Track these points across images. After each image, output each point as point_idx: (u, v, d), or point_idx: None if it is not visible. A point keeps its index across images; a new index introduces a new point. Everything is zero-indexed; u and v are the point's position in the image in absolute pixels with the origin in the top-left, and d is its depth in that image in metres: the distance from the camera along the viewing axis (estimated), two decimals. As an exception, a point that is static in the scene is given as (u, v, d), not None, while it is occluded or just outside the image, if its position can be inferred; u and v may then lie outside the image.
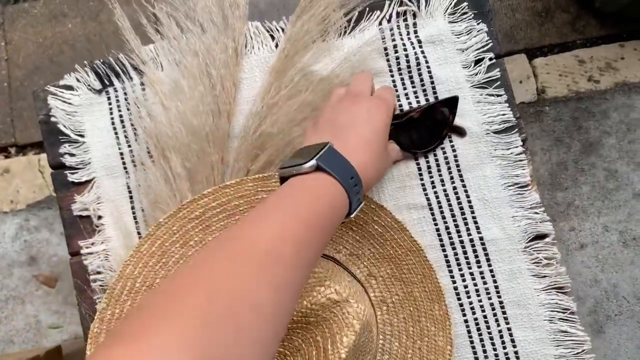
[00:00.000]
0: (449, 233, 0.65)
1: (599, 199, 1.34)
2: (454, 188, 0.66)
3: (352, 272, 0.61)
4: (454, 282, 0.64)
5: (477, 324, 0.64)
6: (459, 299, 0.64)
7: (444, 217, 0.65)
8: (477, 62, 0.67)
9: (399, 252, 0.61)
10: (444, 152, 0.66)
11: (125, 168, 0.67)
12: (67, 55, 1.31)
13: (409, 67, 0.67)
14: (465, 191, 0.66)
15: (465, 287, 0.64)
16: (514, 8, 1.40)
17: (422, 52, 0.67)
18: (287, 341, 0.49)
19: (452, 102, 0.64)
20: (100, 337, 0.57)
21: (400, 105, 0.67)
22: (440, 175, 0.66)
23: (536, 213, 0.65)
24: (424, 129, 0.65)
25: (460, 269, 0.65)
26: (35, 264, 1.30)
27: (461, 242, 0.65)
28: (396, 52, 0.67)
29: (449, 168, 0.66)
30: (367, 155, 0.51)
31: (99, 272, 0.65)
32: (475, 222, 0.65)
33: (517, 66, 1.37)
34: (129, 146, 0.67)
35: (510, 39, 1.38)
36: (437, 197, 0.66)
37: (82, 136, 0.68)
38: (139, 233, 0.66)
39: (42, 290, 1.30)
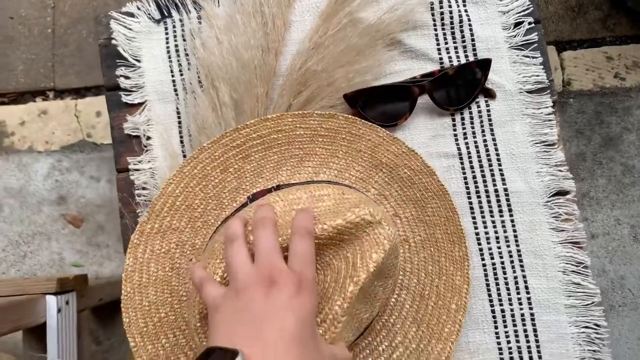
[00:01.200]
0: (475, 182, 0.69)
1: (614, 193, 1.37)
2: (484, 141, 0.69)
3: None
4: (476, 228, 0.68)
5: (494, 269, 0.67)
6: (479, 244, 0.68)
7: (472, 167, 0.69)
8: (517, 24, 0.71)
9: (425, 195, 0.64)
10: (478, 107, 0.70)
11: (176, 94, 0.71)
12: (112, 7, 1.36)
13: (452, 23, 0.71)
14: (495, 145, 0.69)
15: (487, 233, 0.68)
16: (548, 1, 1.44)
17: (466, 10, 0.71)
18: (319, 256, 0.50)
19: (485, 64, 0.68)
20: (139, 248, 0.61)
21: (441, 59, 0.71)
22: (472, 128, 0.69)
23: (560, 170, 0.68)
24: (457, 87, 0.69)
25: (483, 217, 0.68)
26: (64, 204, 1.35)
27: (486, 191, 0.68)
28: (441, 7, 0.70)
29: (481, 122, 0.69)
30: None
31: (144, 188, 0.69)
32: (502, 174, 0.68)
33: (545, 57, 1.41)
34: (181, 74, 0.71)
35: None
36: (467, 147, 0.69)
37: (138, 61, 0.72)
38: (184, 155, 0.70)
39: (68, 229, 1.35)
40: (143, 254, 0.61)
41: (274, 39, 0.69)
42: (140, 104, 0.71)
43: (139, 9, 0.73)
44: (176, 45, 0.72)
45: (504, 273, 0.67)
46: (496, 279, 0.67)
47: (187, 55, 0.71)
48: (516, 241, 0.68)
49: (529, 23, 0.71)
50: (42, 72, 1.43)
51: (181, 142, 0.70)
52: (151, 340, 0.59)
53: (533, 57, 0.70)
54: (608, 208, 1.36)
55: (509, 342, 0.66)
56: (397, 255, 0.55)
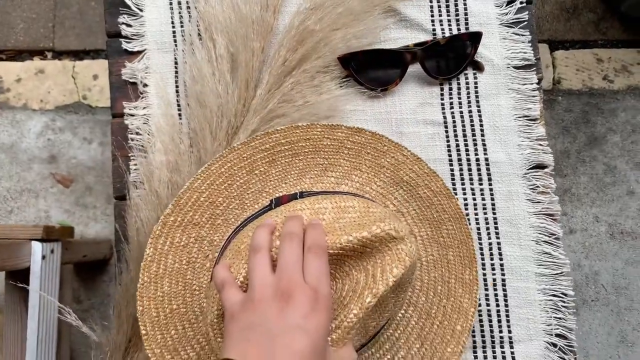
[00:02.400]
0: (458, 150, 0.71)
1: (595, 191, 1.40)
2: (470, 112, 0.72)
3: None
4: (455, 194, 0.70)
5: (470, 234, 0.70)
6: (457, 209, 0.70)
7: (456, 136, 0.71)
8: (509, 2, 0.74)
9: (442, 216, 0.65)
10: (466, 79, 0.72)
11: (175, 45, 0.73)
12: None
13: (447, -4, 0.73)
14: (480, 116, 0.72)
15: (465, 200, 0.70)
16: (544, 0, 1.47)
17: (461, -15, 0.73)
18: (340, 265, 0.51)
19: (476, 37, 0.71)
20: (160, 240, 0.62)
21: (434, 30, 0.73)
22: (459, 99, 0.72)
23: (540, 144, 0.71)
24: (447, 58, 0.71)
25: (463, 184, 0.71)
26: (55, 163, 1.36)
27: (468, 160, 0.71)
28: (438, -20, 0.73)
29: (468, 93, 0.72)
30: None
31: (137, 133, 0.71)
32: (484, 145, 0.71)
33: (538, 55, 1.45)
34: (182, 26, 0.73)
35: (536, 27, 1.45)
36: (453, 117, 0.72)
37: (141, 10, 0.74)
38: (178, 104, 0.72)
39: (56, 188, 1.36)
40: (163, 245, 0.62)
41: None
42: (139, 52, 0.73)
43: (145, -41, 0.74)
44: (179, -2, 0.74)
45: (480, 239, 0.70)
46: (471, 243, 0.69)
47: (188, 7, 0.73)
48: (493, 209, 0.70)
49: (521, 2, 0.74)
50: (42, 32, 1.43)
51: (176, 91, 0.72)
52: (161, 331, 0.61)
53: (522, 35, 0.73)
54: (588, 205, 1.40)
55: (479, 305, 0.68)
56: (414, 271, 0.55)
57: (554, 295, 0.68)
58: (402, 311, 0.64)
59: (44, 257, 0.94)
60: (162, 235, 0.62)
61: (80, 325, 0.68)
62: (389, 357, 0.63)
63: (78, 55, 1.43)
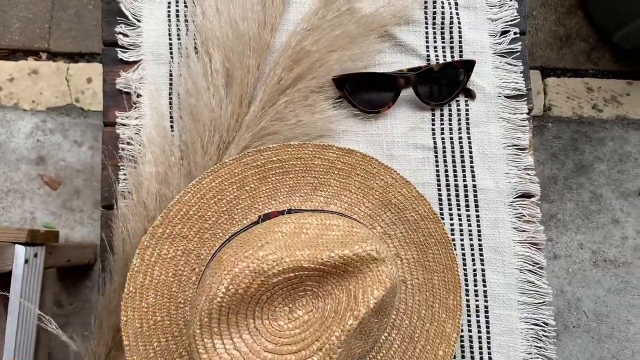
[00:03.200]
0: (447, 176, 0.72)
1: (580, 217, 1.42)
2: (460, 138, 0.73)
3: None
4: (442, 219, 0.71)
5: (455, 259, 0.70)
6: (444, 234, 0.71)
7: (445, 161, 0.72)
8: (503, 33, 0.75)
9: (428, 240, 0.66)
10: (458, 106, 0.73)
11: (171, 57, 0.73)
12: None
13: (442, 24, 0.74)
14: (469, 143, 0.72)
15: (452, 225, 0.71)
16: (539, 28, 1.49)
17: (457, 14, 0.75)
18: (322, 284, 0.52)
19: (469, 65, 0.72)
20: (148, 251, 0.61)
21: (428, 56, 0.74)
22: (450, 125, 0.73)
23: (527, 174, 0.72)
24: (440, 84, 0.72)
25: (450, 209, 0.71)
26: (43, 164, 1.35)
27: (456, 185, 0.72)
28: (434, 7, 0.74)
29: (459, 120, 0.73)
30: None
31: (128, 143, 0.71)
32: (472, 171, 0.72)
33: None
34: (179, 38, 0.73)
35: (529, 55, 1.47)
36: (443, 142, 0.72)
37: (138, 21, 0.74)
38: (171, 117, 0.72)
39: (44, 190, 1.34)
40: (150, 256, 0.62)
41: (271, 14, 0.72)
42: (134, 62, 0.73)
43: (145, -29, 0.75)
44: (177, 10, 0.74)
45: (464, 265, 0.70)
46: (456, 269, 0.70)
47: (186, 21, 0.74)
48: (479, 236, 0.71)
49: (515, 33, 0.75)
50: (38, 32, 1.43)
51: (170, 103, 0.72)
52: (144, 342, 0.60)
53: (515, 65, 0.74)
54: (573, 232, 1.41)
55: (461, 331, 0.69)
56: (395, 294, 0.56)
57: (536, 324, 0.69)
58: (386, 334, 0.64)
59: (26, 261, 0.93)
60: (150, 247, 0.62)
61: (60, 334, 0.67)
62: None
63: (73, 57, 1.43)
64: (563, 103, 1.47)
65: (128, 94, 0.73)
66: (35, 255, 0.96)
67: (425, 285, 0.66)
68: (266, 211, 0.65)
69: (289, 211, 0.62)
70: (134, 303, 0.61)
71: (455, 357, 0.68)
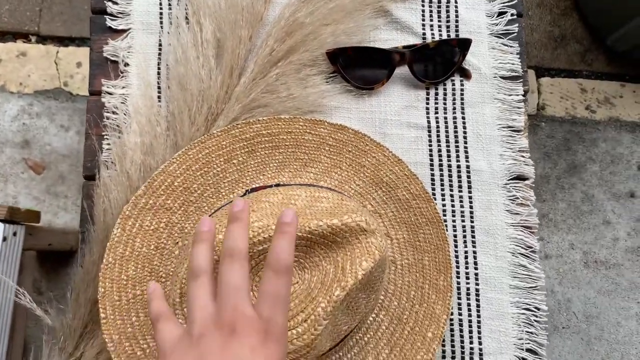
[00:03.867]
0: (440, 156, 0.70)
1: (572, 218, 1.41)
2: (454, 118, 0.71)
3: None
4: (434, 198, 0.69)
5: (447, 241, 0.68)
6: (435, 215, 0.69)
7: (439, 141, 0.71)
8: (500, 14, 0.74)
9: (419, 220, 0.64)
10: (453, 85, 0.72)
11: (161, 26, 0.71)
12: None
13: (439, 2, 0.73)
14: (464, 123, 0.71)
15: (444, 206, 0.69)
16: (534, 28, 1.50)
17: (454, -8, 0.73)
18: (309, 255, 0.51)
19: (465, 44, 0.70)
20: (129, 221, 0.59)
21: (424, 35, 0.73)
22: (444, 104, 0.71)
23: (522, 156, 0.70)
24: (435, 62, 0.71)
25: (442, 189, 0.70)
26: (28, 148, 1.32)
27: (449, 166, 0.70)
28: (431, -15, 0.73)
29: (453, 100, 0.72)
30: None
31: (114, 112, 0.69)
32: (466, 152, 0.70)
33: (524, 80, 1.47)
34: (170, 8, 0.72)
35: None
36: (437, 122, 0.71)
37: (129, -12, 0.72)
38: (158, 86, 0.70)
39: (27, 174, 1.31)
40: (132, 227, 0.60)
41: None
42: (123, 31, 0.71)
43: (137, -62, 0.73)
44: (169, -21, 0.72)
45: (456, 246, 0.68)
46: (447, 251, 0.68)
47: (178, -11, 0.72)
48: (471, 218, 0.69)
49: (512, 15, 0.74)
50: (28, 15, 1.40)
51: (158, 73, 0.70)
52: (122, 316, 0.58)
53: (511, 46, 0.73)
54: (564, 232, 1.40)
55: (451, 313, 0.67)
56: (384, 269, 0.54)
57: (527, 309, 0.67)
58: (374, 315, 0.62)
59: (4, 239, 0.90)
60: (132, 217, 0.60)
61: (34, 308, 0.64)
62: None
63: (63, 41, 1.41)
64: (557, 103, 1.47)
65: (115, 62, 0.71)
66: (15, 234, 0.94)
67: (416, 265, 0.64)
68: (254, 186, 0.63)
69: (277, 186, 0.60)
70: (113, 274, 0.58)
71: (444, 341, 0.66)
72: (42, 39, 1.41)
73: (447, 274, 0.63)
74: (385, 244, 0.53)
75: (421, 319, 0.62)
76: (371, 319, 0.62)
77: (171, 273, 0.60)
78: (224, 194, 0.63)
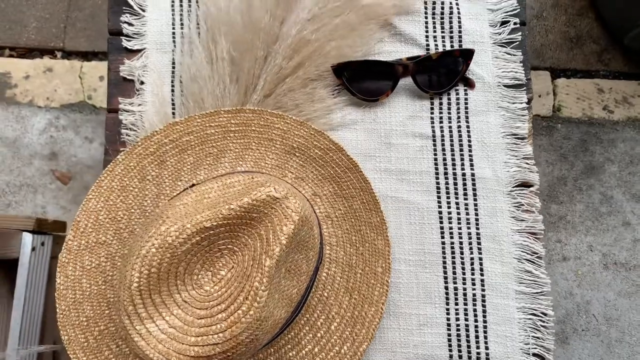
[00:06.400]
0: (445, 164, 0.72)
1: (590, 219, 1.40)
2: (459, 127, 0.72)
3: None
4: (440, 207, 0.71)
5: (452, 248, 0.70)
6: (440, 222, 0.70)
7: (444, 150, 0.72)
8: (503, 23, 0.75)
9: (338, 171, 0.67)
10: (457, 94, 0.73)
11: (174, 45, 0.74)
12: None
13: (442, 13, 0.75)
14: (468, 132, 0.72)
15: (449, 213, 0.71)
16: (549, 29, 1.49)
17: (457, 4, 0.75)
18: (235, 238, 0.53)
19: (468, 54, 0.72)
20: (69, 266, 0.62)
21: (427, 46, 0.74)
22: (449, 114, 0.73)
23: (527, 163, 0.71)
24: (439, 73, 0.72)
25: (448, 197, 0.71)
26: (55, 160, 1.38)
27: (454, 174, 0.71)
28: (434, -3, 0.75)
29: (458, 109, 0.73)
30: None
31: (131, 129, 0.72)
32: (471, 160, 0.72)
33: (539, 81, 1.46)
34: (182, 27, 0.75)
35: (538, 55, 1.46)
36: (442, 131, 0.72)
37: (143, 10, 0.75)
38: (172, 103, 0.73)
39: (55, 185, 1.37)
40: (74, 271, 0.62)
41: (283, 7, 0.72)
42: (138, 51, 0.75)
43: (151, -38, 0.77)
44: (181, 0, 0.75)
45: (462, 253, 0.70)
46: (453, 258, 0.70)
47: (189, 6, 0.75)
48: (477, 224, 0.70)
49: (515, 23, 0.75)
50: (54, 31, 1.47)
51: (172, 91, 0.74)
52: (94, 354, 0.60)
53: (514, 55, 0.74)
54: (582, 233, 1.39)
55: (457, 319, 0.68)
56: (311, 226, 0.56)
57: (533, 314, 0.68)
58: (326, 270, 0.65)
59: (33, 249, 0.94)
60: (70, 262, 0.62)
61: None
62: (323, 318, 0.64)
63: (86, 56, 1.46)
64: (573, 104, 1.45)
65: (131, 81, 0.74)
66: (43, 244, 0.98)
67: (349, 213, 0.67)
68: (174, 194, 0.65)
69: (192, 186, 0.61)
70: (71, 320, 0.61)
71: (450, 346, 0.68)
72: (67, 54, 1.47)
73: (378, 210, 0.67)
74: (302, 204, 0.55)
75: (368, 258, 0.66)
76: (325, 274, 0.65)
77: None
78: (149, 210, 0.65)
